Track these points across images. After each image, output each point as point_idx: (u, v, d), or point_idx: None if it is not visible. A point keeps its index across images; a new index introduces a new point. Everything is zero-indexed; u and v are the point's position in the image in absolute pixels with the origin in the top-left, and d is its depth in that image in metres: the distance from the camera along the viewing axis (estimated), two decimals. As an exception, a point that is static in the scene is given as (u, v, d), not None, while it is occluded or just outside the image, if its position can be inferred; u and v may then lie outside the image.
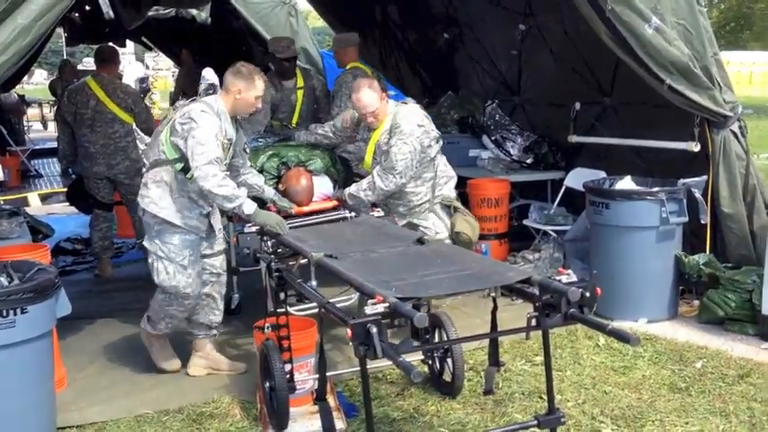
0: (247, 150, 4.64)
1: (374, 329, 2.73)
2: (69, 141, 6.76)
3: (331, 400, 4.07)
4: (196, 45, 12.31)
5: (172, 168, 4.28)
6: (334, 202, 5.00)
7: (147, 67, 36.77)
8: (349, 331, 2.79)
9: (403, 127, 4.78)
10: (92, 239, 6.97)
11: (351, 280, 3.28)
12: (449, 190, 5.20)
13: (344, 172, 5.36)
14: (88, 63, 11.75)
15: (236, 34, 11.37)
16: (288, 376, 3.81)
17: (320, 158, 5.15)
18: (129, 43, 17.73)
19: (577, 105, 6.51)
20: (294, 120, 6.45)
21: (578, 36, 6.29)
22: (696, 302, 5.49)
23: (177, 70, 17.49)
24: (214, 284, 4.63)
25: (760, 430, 3.78)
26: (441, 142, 5.07)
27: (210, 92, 9.53)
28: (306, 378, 4.04)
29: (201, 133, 4.10)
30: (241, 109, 4.37)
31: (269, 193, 4.80)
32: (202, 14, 11.63)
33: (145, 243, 4.43)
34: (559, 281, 3.08)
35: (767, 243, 4.96)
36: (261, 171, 4.96)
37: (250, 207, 4.29)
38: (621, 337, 2.88)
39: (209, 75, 9.60)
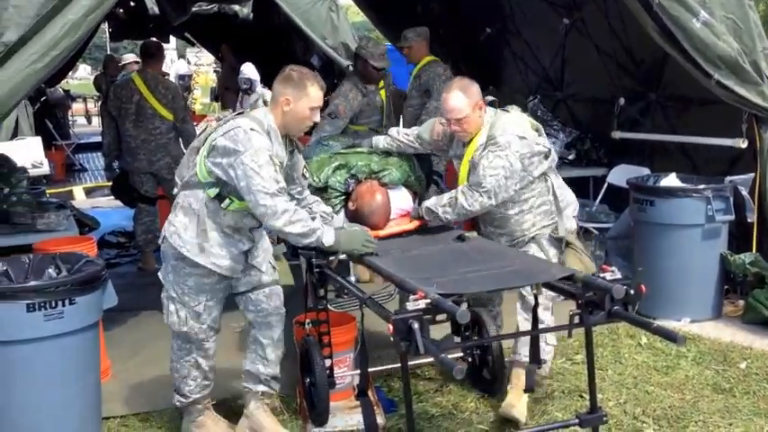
0: (306, 175, 3.82)
1: (416, 325, 2.71)
2: (114, 136, 6.85)
3: (370, 396, 4.09)
4: (238, 41, 12.41)
5: (203, 194, 3.48)
6: (416, 222, 4.14)
7: (189, 63, 37.21)
8: (390, 327, 2.78)
9: (498, 138, 3.87)
10: (135, 233, 7.06)
11: (391, 276, 3.27)
12: (566, 219, 4.10)
13: (425, 179, 4.49)
14: (130, 58, 11.86)
15: (277, 30, 11.45)
16: (328, 372, 3.83)
17: (396, 167, 4.26)
18: (172, 39, 17.99)
19: (621, 101, 6.44)
20: (384, 123, 5.99)
21: (623, 30, 6.22)
22: (741, 302, 5.40)
23: (219, 66, 17.69)
24: (261, 327, 3.78)
25: (806, 433, 3.71)
26: (554, 159, 4.12)
27: (246, 86, 9.72)
28: (345, 373, 4.05)
29: (254, 159, 3.29)
30: (292, 125, 3.53)
31: (338, 222, 3.96)
32: (244, 10, 11.72)
33: (159, 274, 3.70)
34: (603, 278, 3.04)
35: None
36: (325, 188, 4.11)
37: (330, 236, 3.47)
38: (667, 335, 2.84)
39: (247, 70, 9.63)
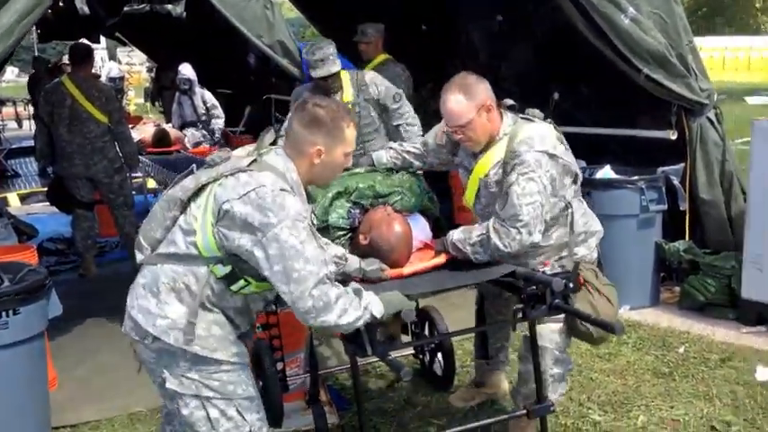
0: (314, 222, 2.83)
1: (363, 328, 2.71)
2: (47, 141, 6.72)
3: (323, 395, 4.14)
4: (172, 40, 12.26)
5: (206, 272, 2.56)
6: (444, 257, 3.34)
7: (120, 62, 36.53)
8: (339, 332, 2.81)
9: (525, 156, 3.16)
10: (74, 239, 6.97)
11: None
12: (586, 249, 3.51)
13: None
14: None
15: (212, 29, 11.34)
16: (280, 375, 3.85)
17: (408, 190, 3.51)
18: (102, 39, 17.63)
19: (556, 95, 6.56)
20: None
21: (555, 25, 6.34)
22: (677, 288, 5.61)
23: (153, 66, 17.44)
24: None
25: (743, 412, 3.88)
26: (580, 179, 3.47)
27: (186, 87, 9.62)
28: (297, 376, 4.08)
29: (293, 233, 2.44)
30: (323, 176, 2.76)
31: (353, 263, 3.16)
32: (177, 9, 11.54)
33: (171, 385, 2.60)
34: (543, 272, 3.14)
35: (745, 228, 5.07)
36: (325, 227, 3.31)
37: (378, 307, 2.68)
38: (606, 326, 2.95)
39: (185, 70, 9.54)
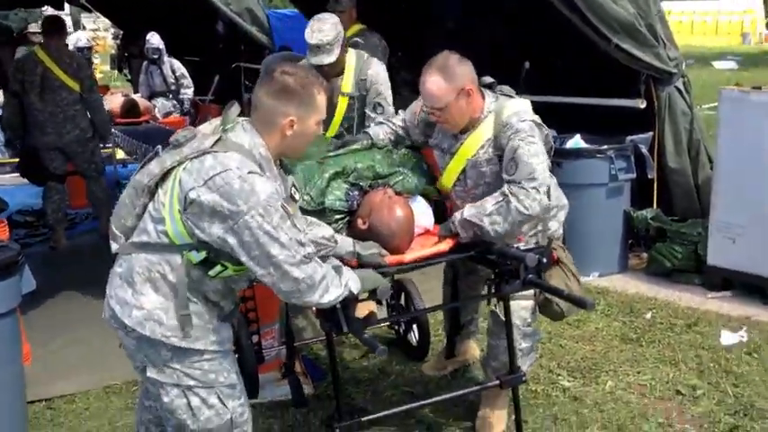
0: (296, 197, 2.73)
1: (339, 305, 2.72)
2: (15, 111, 6.66)
3: (297, 366, 4.19)
4: (138, 8, 12.06)
5: (182, 259, 2.46)
6: (449, 242, 3.20)
7: (85, 28, 35.79)
8: (314, 309, 2.84)
9: (519, 125, 3.15)
10: (46, 211, 6.93)
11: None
12: (557, 223, 3.58)
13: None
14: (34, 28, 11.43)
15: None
16: (256, 347, 3.88)
17: (411, 169, 3.37)
18: (66, 6, 17.28)
19: (527, 65, 6.59)
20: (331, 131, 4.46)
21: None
22: (644, 255, 5.72)
23: (118, 32, 17.14)
24: None
25: (707, 376, 3.99)
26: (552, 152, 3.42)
27: (155, 57, 9.50)
28: (272, 348, 4.11)
29: (265, 219, 2.35)
30: (295, 148, 2.63)
31: (346, 245, 2.99)
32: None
33: (151, 374, 2.55)
34: (517, 248, 3.19)
35: (711, 196, 5.16)
36: (322, 210, 3.13)
37: (355, 283, 2.70)
38: (578, 302, 3.01)
39: (154, 39, 9.41)
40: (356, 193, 3.18)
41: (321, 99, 2.58)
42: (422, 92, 3.24)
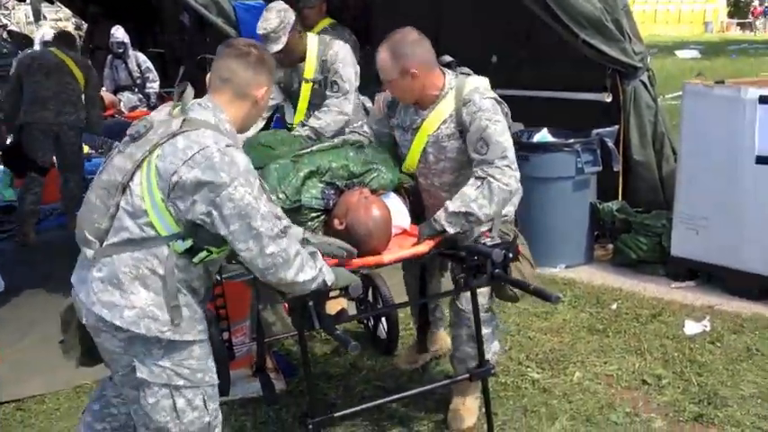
0: (285, 202, 3.01)
1: (311, 303, 2.78)
2: (14, 89, 6.87)
3: (269, 362, 4.20)
4: (101, -1, 11.95)
5: (168, 251, 2.46)
6: (429, 243, 3.19)
7: (46, 18, 35.22)
8: (286, 305, 2.87)
9: (482, 103, 3.23)
10: (23, 202, 6.95)
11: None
12: (512, 206, 3.55)
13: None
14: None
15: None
16: (227, 343, 3.89)
17: (383, 163, 3.37)
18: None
19: (494, 58, 6.64)
20: (298, 117, 4.64)
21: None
22: (610, 246, 5.82)
23: (80, 22, 16.92)
24: None
25: (672, 365, 4.08)
26: None
27: (121, 51, 9.42)
28: (243, 345, 4.13)
29: (247, 190, 2.41)
30: (254, 119, 2.76)
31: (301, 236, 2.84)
32: (109, -32, 11.27)
33: (141, 374, 2.52)
34: (484, 243, 3.23)
35: (675, 188, 5.26)
36: (297, 208, 3.12)
37: (330, 275, 2.70)
38: (543, 296, 3.08)
39: (118, 33, 9.31)
40: (332, 191, 3.18)
41: (273, 65, 2.74)
42: (378, 63, 3.29)
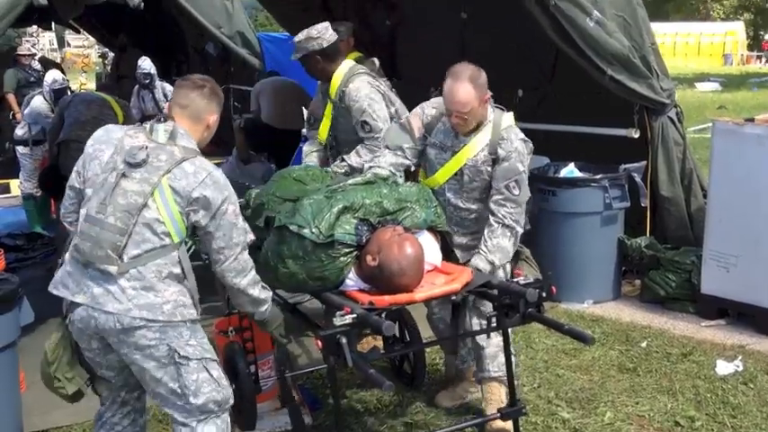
0: (319, 237, 3.18)
1: (344, 340, 2.80)
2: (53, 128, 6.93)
3: (295, 395, 4.18)
4: (128, 30, 12.11)
5: (177, 253, 2.90)
6: (463, 279, 3.22)
7: (69, 45, 35.63)
8: (319, 343, 2.86)
9: (517, 144, 3.62)
10: (59, 226, 6.94)
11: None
12: (525, 218, 3.83)
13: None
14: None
15: (169, 19, 11.23)
16: (253, 377, 3.87)
17: (417, 203, 3.37)
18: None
19: (520, 92, 6.65)
20: (322, 132, 4.79)
21: (519, 24, 6.41)
22: (638, 282, 5.76)
23: (104, 51, 17.14)
24: None
25: (705, 407, 4.01)
26: None
27: (147, 82, 9.53)
28: (270, 378, 4.10)
29: (236, 206, 2.97)
30: (205, 141, 3.13)
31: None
32: (135, 0, 11.41)
33: (183, 352, 2.91)
34: (517, 282, 3.21)
35: (704, 224, 5.22)
36: (330, 243, 3.12)
37: (270, 313, 3.28)
38: (579, 336, 3.06)
39: (145, 64, 9.41)
40: (365, 228, 3.18)
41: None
42: (450, 96, 3.55)
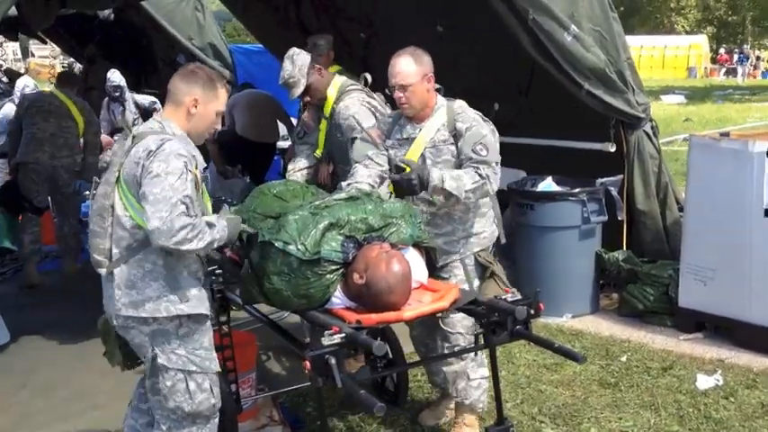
0: (305, 254, 3.07)
1: (333, 361, 2.73)
2: (13, 146, 6.87)
3: (275, 414, 4.12)
4: (97, 41, 11.94)
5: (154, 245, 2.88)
6: (450, 297, 3.17)
7: (33, 55, 35.16)
8: (307, 363, 2.80)
9: (473, 116, 3.68)
10: (22, 242, 6.91)
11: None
12: (493, 233, 3.88)
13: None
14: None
15: (138, 30, 11.10)
16: (234, 396, 3.81)
17: (402, 218, 3.30)
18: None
19: (496, 106, 6.64)
20: (319, 149, 4.91)
21: (495, 37, 6.42)
22: (615, 295, 5.79)
23: (73, 62, 16.91)
24: None
25: (688, 422, 4.02)
26: None
27: (117, 95, 9.40)
28: (251, 397, 4.04)
29: (164, 164, 2.81)
30: (196, 131, 3.07)
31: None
32: (105, 11, 11.29)
33: (160, 360, 3.00)
34: (504, 299, 3.20)
35: (681, 238, 5.25)
36: (317, 260, 3.05)
37: (224, 229, 3.04)
38: (569, 355, 3.05)
39: (114, 77, 9.28)
40: (351, 245, 3.12)
41: (222, 92, 3.09)
42: (392, 71, 3.61)
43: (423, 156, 3.69)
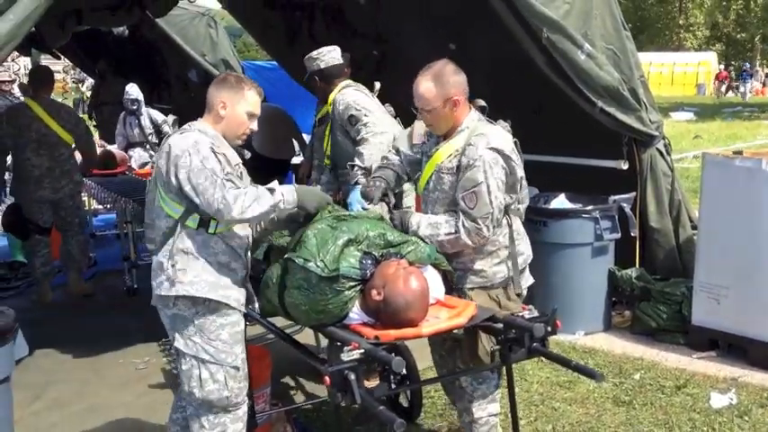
0: (324, 271, 3.10)
1: (352, 376, 2.76)
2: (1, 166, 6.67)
3: (289, 429, 4.13)
4: (111, 57, 12.04)
5: (183, 230, 3.15)
6: (467, 314, 3.15)
7: (46, 69, 35.39)
8: (327, 379, 2.82)
9: (482, 151, 3.28)
10: (33, 265, 6.87)
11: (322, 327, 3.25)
12: (525, 278, 3.69)
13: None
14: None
15: (152, 46, 11.18)
16: (250, 412, 3.82)
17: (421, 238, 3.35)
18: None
19: (508, 122, 6.67)
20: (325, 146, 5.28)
21: (507, 55, 6.45)
22: (627, 313, 5.79)
23: (85, 77, 17.05)
24: None
25: (702, 441, 4.02)
26: (519, 190, 3.54)
27: (135, 108, 9.47)
28: (266, 411, 4.06)
29: (193, 157, 3.06)
30: (229, 131, 3.27)
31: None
32: (119, 28, 11.39)
33: (177, 344, 3.23)
34: (522, 316, 3.21)
35: (694, 256, 5.26)
36: (335, 277, 3.05)
37: (290, 192, 3.22)
38: (587, 373, 3.05)
39: (132, 90, 9.34)
40: (369, 261, 3.12)
41: (251, 94, 3.28)
42: (414, 92, 3.43)
43: (430, 178, 3.51)
